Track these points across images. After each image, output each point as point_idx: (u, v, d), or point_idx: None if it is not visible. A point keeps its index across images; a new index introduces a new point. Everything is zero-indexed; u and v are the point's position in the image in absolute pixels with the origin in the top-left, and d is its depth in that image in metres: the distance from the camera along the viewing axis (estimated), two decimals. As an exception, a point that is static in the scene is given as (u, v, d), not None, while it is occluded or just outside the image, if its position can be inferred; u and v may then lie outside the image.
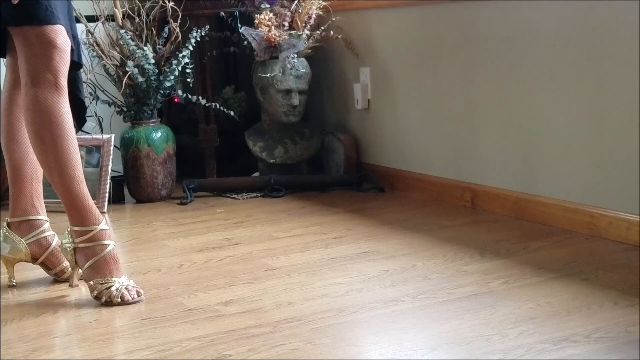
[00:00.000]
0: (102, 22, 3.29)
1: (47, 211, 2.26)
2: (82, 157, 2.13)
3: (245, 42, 3.40)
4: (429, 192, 3.15)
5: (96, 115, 3.41)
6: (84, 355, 1.76)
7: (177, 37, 3.26)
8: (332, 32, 3.45)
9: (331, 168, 3.58)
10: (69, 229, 2.11)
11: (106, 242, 2.10)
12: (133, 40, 3.21)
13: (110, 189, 3.20)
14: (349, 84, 3.57)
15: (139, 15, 3.27)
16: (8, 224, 2.21)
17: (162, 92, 3.27)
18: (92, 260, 2.08)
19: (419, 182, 3.20)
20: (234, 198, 3.30)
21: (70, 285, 2.20)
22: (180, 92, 3.40)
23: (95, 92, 3.35)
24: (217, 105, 3.38)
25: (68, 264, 2.23)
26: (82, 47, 3.24)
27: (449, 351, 1.69)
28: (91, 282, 2.08)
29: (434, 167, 3.15)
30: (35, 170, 2.21)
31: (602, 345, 1.67)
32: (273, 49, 3.37)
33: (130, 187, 3.32)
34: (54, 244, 2.23)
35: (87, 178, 2.14)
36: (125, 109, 3.31)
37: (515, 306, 1.92)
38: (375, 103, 3.44)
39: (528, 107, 2.71)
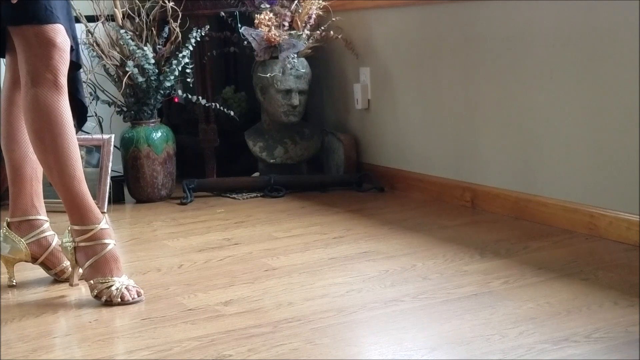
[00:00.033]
0: (102, 22, 3.29)
1: (47, 211, 2.26)
2: (82, 157, 2.13)
3: (245, 42, 3.40)
4: (429, 192, 3.15)
5: (96, 115, 3.41)
6: (84, 355, 1.76)
7: (177, 37, 3.26)
8: (332, 32, 3.45)
9: (331, 168, 3.58)
10: (69, 228, 2.11)
11: (106, 241, 2.10)
12: (133, 40, 3.21)
13: (110, 189, 3.20)
14: (349, 84, 3.57)
15: (139, 15, 3.27)
16: (8, 224, 2.21)
17: (162, 92, 3.27)
18: (93, 259, 2.08)
19: (419, 182, 3.20)
20: (234, 198, 3.30)
21: (71, 285, 2.20)
22: (180, 92, 3.40)
23: (95, 92, 3.35)
24: (217, 105, 3.38)
25: (68, 264, 2.23)
26: (82, 47, 3.26)
27: (449, 351, 1.69)
28: (91, 281, 2.08)
29: (434, 167, 3.15)
30: (35, 170, 2.21)
31: (602, 345, 1.67)
32: (273, 49, 3.38)
33: (130, 187, 3.32)
34: (54, 244, 2.23)
35: (87, 178, 2.14)
36: (125, 109, 3.31)
37: (515, 306, 1.92)
38: (375, 103, 3.44)
39: (528, 107, 2.71)
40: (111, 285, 2.06)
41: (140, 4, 3.29)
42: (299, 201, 3.20)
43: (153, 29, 3.29)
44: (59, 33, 2.03)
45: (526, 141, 2.74)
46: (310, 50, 3.48)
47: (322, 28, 3.44)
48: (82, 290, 2.17)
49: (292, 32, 3.38)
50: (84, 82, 3.25)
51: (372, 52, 3.41)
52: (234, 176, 3.49)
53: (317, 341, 1.76)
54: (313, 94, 3.60)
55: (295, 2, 3.38)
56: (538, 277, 2.13)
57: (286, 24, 3.36)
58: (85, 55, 3.27)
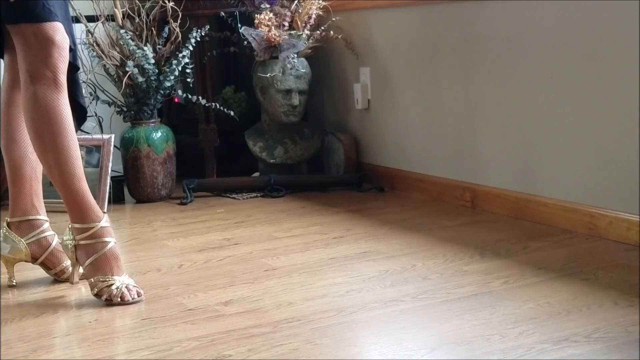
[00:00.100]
0: (102, 22, 3.29)
1: (47, 211, 2.26)
2: (82, 157, 2.12)
3: (245, 42, 3.40)
4: (429, 192, 3.15)
5: (96, 115, 3.41)
6: (84, 355, 1.76)
7: (177, 37, 3.26)
8: (332, 32, 3.45)
9: (331, 168, 3.58)
10: (69, 226, 2.11)
11: (107, 239, 2.10)
12: (133, 40, 3.21)
13: (110, 189, 3.20)
14: (349, 84, 3.57)
15: (139, 15, 3.27)
16: (8, 224, 2.21)
17: (162, 92, 3.27)
18: (93, 257, 2.08)
19: (419, 182, 3.20)
20: (234, 198, 3.30)
21: (71, 283, 2.20)
22: (180, 92, 3.40)
23: (95, 92, 3.35)
24: (217, 105, 3.38)
25: (68, 263, 2.23)
26: (82, 47, 3.26)
27: (449, 351, 1.69)
28: (92, 280, 2.08)
29: (434, 167, 3.15)
30: (34, 170, 2.21)
31: (602, 345, 1.67)
32: (273, 49, 3.38)
33: (130, 187, 3.32)
34: (54, 243, 2.23)
35: (87, 178, 2.13)
36: (125, 109, 3.31)
37: (515, 306, 1.92)
38: (375, 103, 3.44)
39: (528, 107, 2.71)
40: (111, 284, 2.06)
41: (140, 4, 3.29)
42: (299, 201, 3.20)
43: (153, 29, 3.29)
44: (58, 31, 2.03)
45: (526, 141, 2.74)
46: (310, 50, 3.47)
47: (322, 28, 3.44)
48: (82, 290, 2.17)
49: (292, 32, 3.38)
50: (83, 82, 3.26)
51: (372, 52, 3.41)
52: (234, 176, 3.49)
53: (317, 341, 1.76)
54: (313, 94, 3.60)
55: (295, 2, 3.38)
56: (538, 277, 2.13)
57: (286, 24, 3.36)
58: (85, 55, 3.28)
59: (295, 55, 3.39)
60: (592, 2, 2.44)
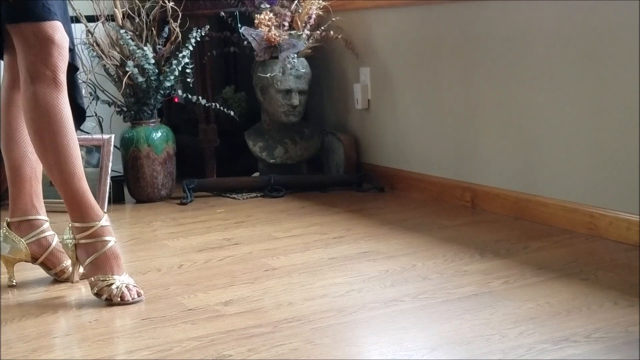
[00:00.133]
0: (102, 22, 3.29)
1: (47, 211, 2.26)
2: (82, 157, 2.12)
3: (245, 42, 3.40)
4: (429, 192, 3.15)
5: (96, 115, 3.41)
6: (84, 355, 1.76)
7: (177, 37, 3.26)
8: (332, 32, 3.45)
9: (331, 168, 3.58)
10: (70, 225, 2.11)
11: (107, 238, 2.10)
12: (133, 40, 3.21)
13: (110, 189, 3.20)
14: (349, 84, 3.57)
15: (139, 15, 3.27)
16: (8, 224, 2.21)
17: (162, 92, 3.27)
18: (93, 256, 2.08)
19: (419, 182, 3.20)
20: (234, 198, 3.30)
21: (71, 282, 2.21)
22: (180, 92, 3.40)
23: (95, 92, 3.35)
24: (217, 105, 3.38)
25: (68, 263, 2.23)
26: (82, 47, 3.26)
27: (449, 351, 1.69)
28: (92, 279, 2.08)
29: (434, 167, 3.15)
30: (34, 170, 2.21)
31: (602, 345, 1.67)
32: (273, 49, 3.38)
33: (130, 187, 3.32)
34: (54, 243, 2.23)
35: (87, 178, 2.13)
36: (125, 109, 3.31)
37: (515, 306, 1.92)
38: (375, 103, 3.44)
39: (528, 107, 2.71)
40: (112, 284, 2.06)
41: (140, 4, 3.29)
42: (299, 201, 3.20)
43: (153, 29, 3.29)
44: (57, 30, 2.03)
45: (526, 141, 2.74)
46: (310, 50, 3.48)
47: (322, 28, 3.44)
48: (82, 290, 2.17)
49: (292, 32, 3.38)
50: (83, 82, 3.26)
51: (372, 52, 3.41)
52: (234, 176, 3.49)
53: (317, 341, 1.76)
54: (313, 94, 3.60)
55: (295, 2, 3.38)
56: (538, 277, 2.13)
57: (286, 24, 3.36)
58: (85, 55, 3.28)
59: (295, 55, 3.39)
60: (592, 2, 2.44)
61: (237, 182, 3.41)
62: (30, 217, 2.21)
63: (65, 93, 2.06)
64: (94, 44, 3.26)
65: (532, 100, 2.69)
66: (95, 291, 2.07)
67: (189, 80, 3.36)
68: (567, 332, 1.75)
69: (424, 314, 1.92)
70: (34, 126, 2.05)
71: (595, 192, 2.50)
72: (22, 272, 2.30)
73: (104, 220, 2.11)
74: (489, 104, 2.88)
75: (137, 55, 3.18)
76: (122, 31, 3.20)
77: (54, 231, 2.25)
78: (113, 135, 3.28)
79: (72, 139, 2.06)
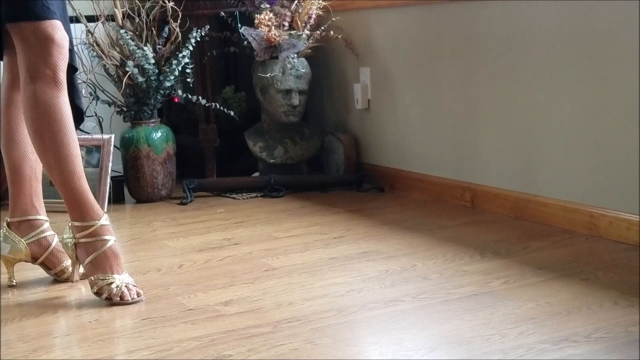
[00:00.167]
0: (102, 22, 3.29)
1: (47, 211, 2.26)
2: (82, 157, 2.12)
3: (245, 42, 3.40)
4: (429, 192, 3.15)
5: (96, 115, 3.41)
6: (84, 355, 1.76)
7: (177, 37, 3.26)
8: (332, 32, 3.45)
9: (331, 168, 3.58)
10: (69, 224, 2.11)
11: (107, 237, 2.10)
12: (133, 40, 3.21)
13: (110, 189, 3.20)
14: (349, 84, 3.57)
15: (139, 15, 3.27)
16: (8, 224, 2.21)
17: (162, 92, 3.27)
18: (93, 255, 2.08)
19: (419, 182, 3.20)
20: (234, 198, 3.30)
21: (71, 281, 2.21)
22: (180, 92, 3.40)
23: (95, 92, 3.35)
24: (217, 105, 3.38)
25: (68, 263, 2.23)
26: (82, 47, 3.26)
27: (449, 351, 1.69)
28: (91, 278, 2.08)
29: (434, 167, 3.15)
30: (34, 170, 2.21)
31: (602, 345, 1.67)
32: (273, 49, 3.38)
33: (130, 187, 3.32)
34: (54, 243, 2.23)
35: (87, 178, 2.13)
36: (125, 109, 3.31)
37: (515, 306, 1.92)
38: (375, 103, 3.44)
39: (528, 107, 2.71)
40: (111, 283, 2.06)
41: (140, 4, 3.29)
42: (299, 201, 3.20)
43: (153, 29, 3.29)
44: (57, 29, 2.03)
45: (526, 141, 2.74)
46: (310, 50, 3.48)
47: (322, 28, 3.44)
48: (82, 290, 2.17)
49: (292, 32, 3.38)
50: (83, 82, 3.26)
51: (372, 52, 3.41)
52: (234, 176, 3.49)
53: (317, 341, 1.76)
54: (313, 94, 3.60)
55: (295, 2, 3.38)
56: (538, 277, 2.13)
57: (286, 24, 3.36)
58: (85, 55, 3.28)
59: (295, 55, 3.39)
60: (592, 2, 2.44)
61: (237, 182, 3.41)
62: (30, 217, 2.21)
63: (65, 92, 2.06)
64: (94, 44, 3.26)
65: (532, 100, 2.69)
66: (95, 290, 2.07)
67: (189, 80, 3.36)
68: (567, 332, 1.75)
69: (424, 314, 1.92)
70: (34, 125, 2.05)
71: (595, 192, 2.50)
72: (22, 272, 2.30)
73: (104, 220, 2.11)
74: (489, 104, 2.88)
75: (137, 55, 3.18)
76: (122, 31, 3.20)
77: (54, 231, 2.25)
78: (113, 135, 3.28)
79: (72, 138, 2.06)
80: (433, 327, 1.83)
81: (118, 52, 3.27)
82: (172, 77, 3.23)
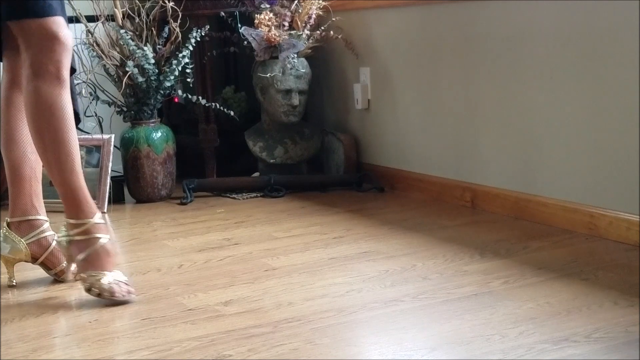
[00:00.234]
0: (102, 22, 3.29)
1: (47, 211, 2.26)
2: (82, 157, 2.12)
3: (245, 42, 3.40)
4: (429, 192, 3.15)
5: (96, 115, 3.41)
6: (84, 355, 1.76)
7: (177, 37, 3.26)
8: (332, 32, 3.45)
9: (331, 168, 3.58)
10: (65, 222, 2.11)
11: (99, 235, 2.09)
12: (133, 40, 3.21)
13: (110, 189, 3.20)
14: (349, 84, 3.57)
15: (139, 15, 3.27)
16: (8, 224, 2.21)
17: (162, 92, 3.27)
18: (85, 252, 2.08)
19: (419, 182, 3.20)
20: (234, 198, 3.30)
21: (65, 280, 2.21)
22: (180, 92, 3.40)
23: (95, 92, 3.35)
24: (217, 105, 3.38)
25: (68, 263, 2.23)
26: (83, 47, 3.26)
27: (449, 351, 1.69)
28: (83, 275, 2.08)
29: (434, 167, 3.15)
30: (33, 170, 2.21)
31: (602, 345, 1.67)
32: (273, 49, 3.38)
33: (130, 187, 3.32)
34: (54, 244, 2.23)
35: (87, 178, 2.14)
36: (125, 109, 3.31)
37: (515, 306, 1.92)
38: (375, 103, 3.44)
39: (528, 107, 2.71)
40: (101, 278, 2.05)
41: (140, 4, 3.29)
42: (299, 201, 3.20)
43: (153, 29, 3.29)
44: (62, 26, 2.03)
45: (526, 141, 2.74)
46: (310, 50, 3.48)
47: (322, 28, 3.44)
48: (82, 291, 2.17)
49: (292, 32, 3.38)
50: (83, 82, 3.27)
51: (372, 52, 3.41)
52: (234, 176, 3.49)
53: (317, 341, 1.76)
54: (313, 94, 3.60)
55: (295, 2, 3.38)
56: (538, 277, 2.13)
57: (286, 24, 3.36)
58: (85, 55, 3.28)
59: (295, 55, 3.39)
60: (592, 2, 2.44)
61: (237, 182, 3.41)
62: (30, 217, 2.21)
63: (68, 90, 2.06)
64: (94, 44, 3.26)
65: (532, 100, 2.69)
66: (86, 286, 2.06)
67: (189, 80, 3.36)
68: (567, 332, 1.75)
69: (424, 314, 1.92)
70: (34, 122, 2.04)
71: (595, 192, 2.50)
72: (22, 272, 2.30)
73: (98, 218, 2.10)
74: (489, 104, 2.88)
75: (137, 55, 3.18)
76: (122, 31, 3.20)
77: (54, 231, 2.25)
78: (113, 135, 3.28)
79: (73, 135, 2.06)
80: (433, 327, 1.83)
81: (118, 52, 3.27)
82: (172, 77, 3.23)
